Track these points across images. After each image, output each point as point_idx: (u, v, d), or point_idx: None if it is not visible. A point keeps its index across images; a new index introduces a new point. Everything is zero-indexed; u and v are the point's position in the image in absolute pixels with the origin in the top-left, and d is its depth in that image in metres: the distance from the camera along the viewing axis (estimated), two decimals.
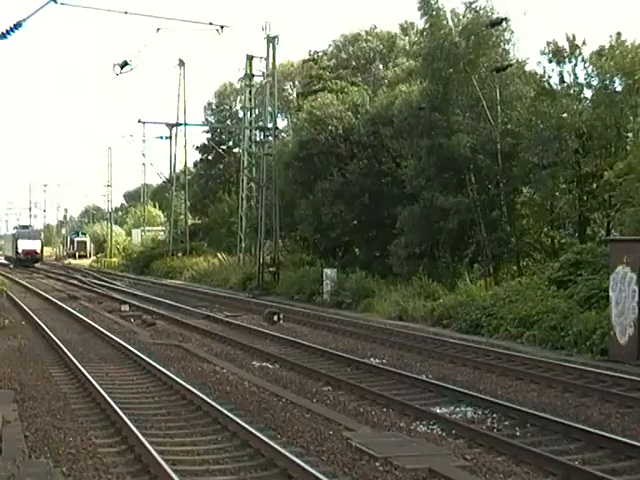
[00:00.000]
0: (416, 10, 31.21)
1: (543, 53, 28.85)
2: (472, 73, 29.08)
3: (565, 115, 27.35)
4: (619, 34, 27.15)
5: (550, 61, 28.95)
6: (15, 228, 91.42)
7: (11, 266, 74.65)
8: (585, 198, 28.35)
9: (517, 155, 28.93)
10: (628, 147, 27.08)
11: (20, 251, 76.12)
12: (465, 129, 28.81)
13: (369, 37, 56.53)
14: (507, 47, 30.23)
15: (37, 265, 76.71)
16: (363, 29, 57.62)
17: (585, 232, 29.06)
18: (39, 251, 79.00)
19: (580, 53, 28.27)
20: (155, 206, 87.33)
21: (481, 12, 29.40)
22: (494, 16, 28.82)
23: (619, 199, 24.35)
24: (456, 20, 30.33)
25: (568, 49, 28.30)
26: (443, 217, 30.13)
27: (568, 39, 28.45)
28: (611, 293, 18.17)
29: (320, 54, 56.15)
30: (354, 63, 55.54)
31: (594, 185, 27.70)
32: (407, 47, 51.01)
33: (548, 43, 28.58)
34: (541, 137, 27.20)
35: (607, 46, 27.42)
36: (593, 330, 18.88)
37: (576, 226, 29.57)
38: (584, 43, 28.34)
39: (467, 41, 29.16)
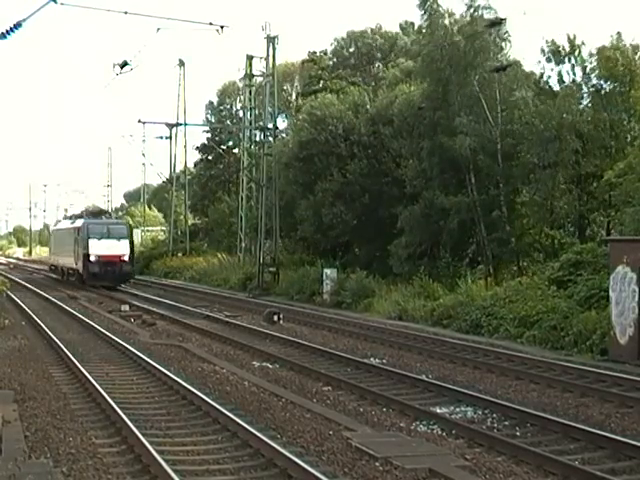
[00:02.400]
0: (416, 9, 31.31)
1: (542, 52, 28.90)
2: (472, 74, 29.04)
3: (565, 115, 27.36)
4: (620, 34, 27.20)
5: (549, 60, 29.01)
6: (80, 217, 49.33)
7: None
8: (585, 198, 28.37)
9: (517, 155, 28.94)
10: (629, 147, 27.07)
11: (93, 259, 42.97)
12: (466, 130, 28.84)
13: (375, 36, 56.59)
14: (505, 48, 30.26)
15: (35, 265, 68.63)
16: (369, 27, 57.81)
17: (585, 232, 29.07)
18: (128, 258, 44.43)
19: (579, 53, 28.33)
20: (151, 208, 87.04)
21: (480, 12, 29.42)
22: (493, 16, 28.84)
23: (619, 199, 24.36)
24: (454, 20, 30.32)
25: (568, 49, 28.34)
26: (443, 217, 30.15)
27: (569, 39, 28.51)
28: (611, 293, 18.18)
29: (320, 54, 56.19)
30: (353, 61, 55.55)
31: (594, 185, 27.72)
32: (407, 47, 51.04)
33: (547, 42, 28.65)
34: (541, 137, 27.21)
35: (599, 48, 27.46)
36: (593, 330, 18.90)
37: (576, 226, 29.58)
38: (583, 43, 28.44)
39: (466, 41, 29.14)
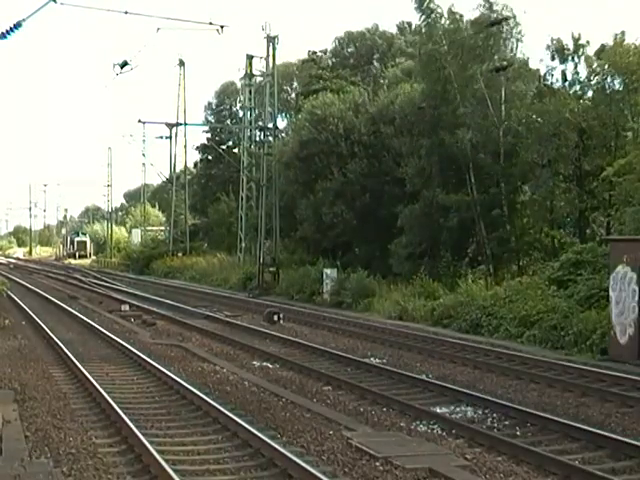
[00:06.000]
0: (414, 11, 31.35)
1: (548, 49, 28.96)
2: (477, 70, 28.98)
3: (565, 113, 27.35)
4: (623, 32, 27.19)
5: (553, 59, 29.06)
6: None
7: None
8: (585, 197, 28.36)
9: (518, 154, 28.95)
10: (628, 147, 27.06)
11: None
12: (469, 123, 28.84)
13: (374, 36, 56.63)
14: (514, 44, 30.33)
15: (35, 265, 69.34)
16: (366, 28, 57.88)
17: (585, 232, 29.06)
18: None
19: (584, 52, 28.39)
20: (155, 206, 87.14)
21: (494, 7, 29.47)
22: (504, 12, 28.98)
23: (619, 198, 24.36)
24: (457, 17, 30.33)
25: (572, 48, 28.39)
26: (444, 215, 30.19)
27: (573, 37, 28.57)
28: (611, 293, 18.18)
29: (319, 54, 56.21)
30: (353, 61, 55.57)
31: (594, 184, 27.75)
32: (405, 47, 51.09)
33: (552, 40, 28.70)
34: (540, 134, 27.22)
35: (606, 46, 27.46)
36: (593, 330, 18.90)
37: (576, 226, 29.57)
38: (588, 42, 28.49)
39: (474, 37, 29.12)
